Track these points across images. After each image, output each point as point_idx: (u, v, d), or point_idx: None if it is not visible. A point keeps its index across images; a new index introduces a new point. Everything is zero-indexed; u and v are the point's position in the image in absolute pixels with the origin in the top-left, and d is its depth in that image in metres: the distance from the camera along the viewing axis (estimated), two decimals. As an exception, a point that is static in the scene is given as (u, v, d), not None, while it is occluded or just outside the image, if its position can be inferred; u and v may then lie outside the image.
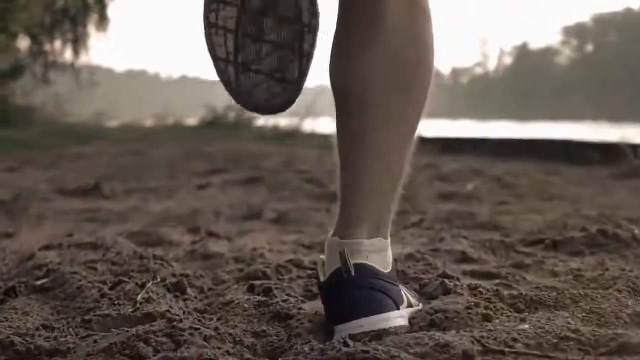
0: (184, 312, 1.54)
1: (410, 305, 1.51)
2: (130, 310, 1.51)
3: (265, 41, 1.19)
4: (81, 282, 1.71)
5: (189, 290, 1.73)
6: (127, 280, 1.73)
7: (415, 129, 1.52)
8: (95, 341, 1.34)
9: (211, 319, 1.48)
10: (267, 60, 1.21)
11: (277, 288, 1.72)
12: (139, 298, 1.58)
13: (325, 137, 9.72)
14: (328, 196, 4.02)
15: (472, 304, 1.50)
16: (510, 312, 1.53)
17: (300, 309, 1.54)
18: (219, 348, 1.30)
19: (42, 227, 3.01)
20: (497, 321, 1.45)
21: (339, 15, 1.48)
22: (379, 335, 1.36)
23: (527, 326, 1.41)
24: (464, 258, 2.13)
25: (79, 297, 1.64)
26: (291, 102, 1.29)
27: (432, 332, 1.34)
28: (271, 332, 1.44)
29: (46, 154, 8.18)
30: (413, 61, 1.47)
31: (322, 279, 1.46)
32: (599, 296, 1.62)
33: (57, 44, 16.84)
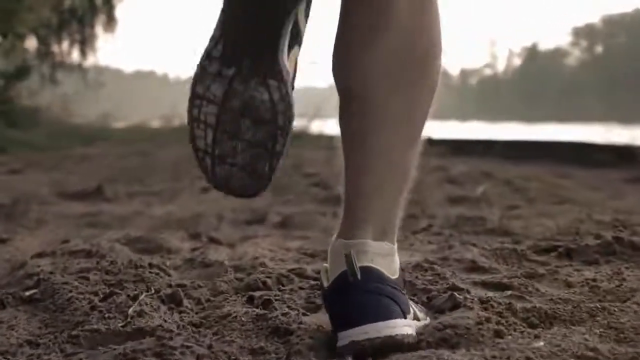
0: (178, 326, 1.45)
1: (416, 319, 1.43)
2: (120, 325, 1.42)
3: (241, 139, 1.28)
4: (71, 294, 1.62)
5: (185, 302, 1.64)
6: (119, 291, 1.64)
7: (420, 129, 1.46)
8: (80, 360, 1.26)
9: (205, 335, 1.40)
10: (241, 155, 1.29)
11: (277, 299, 1.64)
12: (130, 311, 1.49)
13: (333, 139, 9.62)
14: (334, 199, 3.94)
15: (483, 318, 1.41)
16: (524, 327, 1.44)
17: (300, 323, 1.45)
18: (212, 368, 1.22)
19: (39, 232, 2.94)
20: (510, 338, 1.37)
21: (341, 9, 1.43)
22: (385, 343, 1.28)
23: (541, 343, 1.32)
24: (474, 267, 2.04)
25: (68, 310, 1.56)
26: (262, 190, 1.36)
27: (440, 351, 1.26)
28: (269, 349, 1.35)
29: (51, 155, 8.12)
30: (418, 60, 1.42)
31: (325, 284, 1.40)
32: (616, 309, 1.53)
33: (65, 44, 16.83)
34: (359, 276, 1.33)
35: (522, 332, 1.40)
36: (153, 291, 1.66)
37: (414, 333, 1.35)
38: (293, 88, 1.34)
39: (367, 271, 1.35)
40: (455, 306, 1.54)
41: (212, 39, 1.30)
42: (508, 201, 4.22)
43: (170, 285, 1.77)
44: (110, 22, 17.10)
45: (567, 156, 8.20)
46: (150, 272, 1.86)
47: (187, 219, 3.40)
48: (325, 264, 1.43)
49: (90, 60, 17.20)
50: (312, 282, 1.82)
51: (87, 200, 4.21)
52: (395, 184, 1.44)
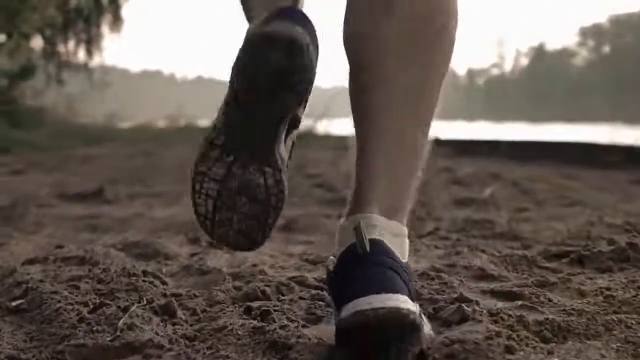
0: (170, 340, 1.37)
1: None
2: (108, 339, 1.34)
3: (237, 212, 1.39)
4: (59, 304, 1.54)
5: (179, 313, 1.56)
6: (110, 302, 1.56)
7: (433, 106, 1.43)
8: (64, 378, 1.19)
9: (198, 350, 1.32)
10: (237, 224, 1.39)
11: (276, 310, 1.56)
12: (120, 324, 1.40)
13: (339, 139, 9.60)
14: (339, 201, 3.87)
15: (493, 332, 1.33)
16: (536, 341, 1.36)
17: (299, 337, 1.37)
18: (204, 387, 1.14)
19: (35, 236, 2.86)
20: (522, 353, 1.29)
21: None
22: (389, 315, 1.21)
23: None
24: (483, 275, 1.95)
25: (55, 322, 1.47)
26: (257, 248, 1.46)
27: (448, 368, 1.18)
28: (266, 366, 1.27)
29: (54, 156, 8.07)
30: (433, 32, 1.39)
31: (331, 268, 1.38)
32: (633, 322, 1.46)
33: (71, 44, 16.81)
34: (367, 248, 1.31)
35: (534, 348, 1.32)
36: (145, 302, 1.57)
37: (419, 316, 1.27)
38: (288, 167, 1.43)
39: (376, 244, 1.32)
40: (464, 319, 1.46)
41: (215, 129, 1.38)
42: (516, 203, 4.15)
43: (164, 295, 1.69)
44: (117, 22, 17.08)
45: (573, 157, 8.16)
46: (144, 281, 1.77)
47: (189, 222, 3.31)
48: (332, 257, 1.40)
49: (96, 60, 17.19)
50: (313, 292, 1.74)
51: (87, 202, 4.14)
52: (405, 164, 1.41)
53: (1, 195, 4.22)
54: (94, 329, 1.40)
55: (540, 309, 1.58)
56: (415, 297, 1.34)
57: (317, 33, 1.40)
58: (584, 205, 4.08)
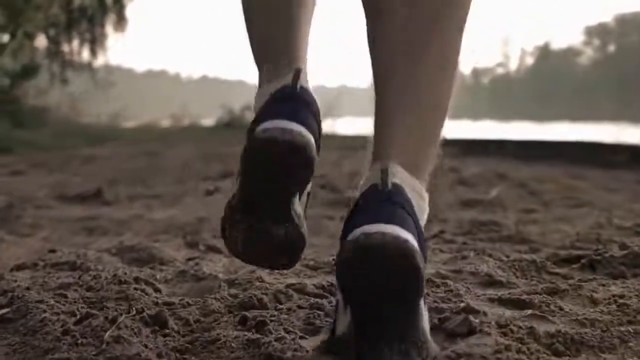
0: (159, 354, 1.29)
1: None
2: (93, 353, 1.26)
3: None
4: (45, 314, 1.46)
5: (171, 323, 1.48)
6: (97, 312, 1.48)
7: (451, 60, 1.38)
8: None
9: (189, 365, 1.24)
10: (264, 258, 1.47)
11: (272, 320, 1.48)
12: (106, 336, 1.33)
13: (344, 139, 9.51)
14: (343, 202, 3.79)
15: (502, 346, 1.26)
16: (547, 355, 1.28)
17: (296, 350, 1.29)
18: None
19: (29, 239, 2.79)
20: (533, 369, 1.21)
21: None
22: (394, 243, 1.16)
23: (569, 376, 1.16)
24: (490, 281, 1.87)
25: (39, 333, 1.39)
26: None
27: (454, 386, 1.10)
28: (260, 381, 1.19)
29: (56, 156, 8.00)
30: None
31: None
32: (649, 333, 1.37)
33: (75, 43, 16.77)
34: (389, 187, 1.26)
35: (545, 362, 1.25)
36: (135, 311, 1.49)
37: (421, 257, 1.19)
38: (305, 216, 1.49)
39: (397, 187, 1.27)
40: (471, 331, 1.37)
41: (234, 195, 1.44)
42: (523, 204, 4.08)
43: (156, 304, 1.61)
44: (121, 21, 17.05)
45: (579, 156, 8.11)
46: (135, 289, 1.69)
47: (188, 224, 3.25)
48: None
49: (100, 60, 17.16)
50: (312, 300, 1.65)
51: (86, 203, 4.07)
52: (427, 121, 1.37)
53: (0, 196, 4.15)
54: (79, 342, 1.32)
55: (551, 318, 1.50)
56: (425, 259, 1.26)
57: (316, 107, 1.51)
58: (592, 206, 4.01)
